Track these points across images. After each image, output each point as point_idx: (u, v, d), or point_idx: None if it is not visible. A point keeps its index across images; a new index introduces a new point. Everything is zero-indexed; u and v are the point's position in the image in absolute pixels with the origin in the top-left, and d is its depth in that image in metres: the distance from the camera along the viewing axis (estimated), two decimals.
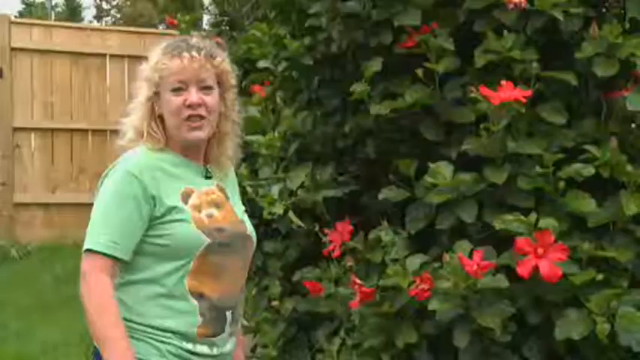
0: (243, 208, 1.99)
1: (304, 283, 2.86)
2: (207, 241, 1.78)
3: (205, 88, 1.83)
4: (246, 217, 1.96)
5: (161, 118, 1.86)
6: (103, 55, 7.68)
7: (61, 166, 7.49)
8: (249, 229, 1.93)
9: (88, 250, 1.75)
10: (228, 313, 1.83)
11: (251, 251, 1.94)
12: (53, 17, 17.55)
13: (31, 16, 16.39)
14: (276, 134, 3.13)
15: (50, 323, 4.81)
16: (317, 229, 2.87)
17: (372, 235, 2.71)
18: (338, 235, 2.78)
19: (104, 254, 1.73)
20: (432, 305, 2.34)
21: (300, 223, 2.91)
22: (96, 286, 1.72)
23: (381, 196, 2.70)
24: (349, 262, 2.74)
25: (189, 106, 1.80)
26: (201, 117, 1.82)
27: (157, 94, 1.83)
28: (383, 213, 2.75)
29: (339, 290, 2.76)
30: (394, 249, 2.58)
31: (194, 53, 1.81)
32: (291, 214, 2.89)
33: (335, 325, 2.89)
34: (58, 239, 7.05)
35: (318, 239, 2.87)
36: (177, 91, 1.81)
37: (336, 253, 2.76)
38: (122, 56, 7.69)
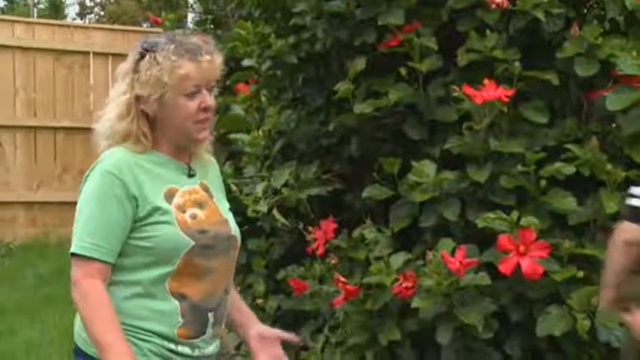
0: (227, 205, 1.95)
1: (289, 281, 2.87)
2: (191, 243, 1.75)
3: (211, 89, 1.81)
4: (230, 216, 1.92)
5: (147, 117, 1.80)
6: (87, 53, 7.64)
7: (44, 165, 7.43)
8: (234, 229, 1.89)
9: (75, 255, 1.74)
10: (210, 315, 1.80)
11: (236, 252, 1.90)
12: (35, 14, 17.41)
13: (12, 13, 16.25)
14: (261, 133, 3.14)
15: (33, 322, 4.77)
16: (301, 227, 2.88)
17: (355, 233, 2.73)
18: (322, 233, 2.79)
19: (91, 258, 1.72)
20: (415, 303, 2.35)
21: (284, 221, 2.92)
22: (88, 292, 1.71)
23: (364, 195, 2.71)
24: (333, 260, 2.75)
25: (204, 110, 1.78)
26: (209, 119, 1.81)
27: (160, 97, 1.76)
28: (367, 211, 2.76)
29: (323, 288, 2.77)
30: (378, 247, 2.60)
31: (207, 56, 1.77)
32: (275, 212, 2.90)
33: (319, 323, 2.90)
34: (41, 238, 7.00)
35: (302, 237, 2.87)
36: (191, 94, 1.77)
37: (320, 251, 2.77)
38: (106, 54, 7.66)
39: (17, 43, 7.34)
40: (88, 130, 8.76)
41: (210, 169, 1.95)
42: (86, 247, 1.72)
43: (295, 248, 3.04)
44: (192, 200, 1.82)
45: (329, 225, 2.78)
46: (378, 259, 2.56)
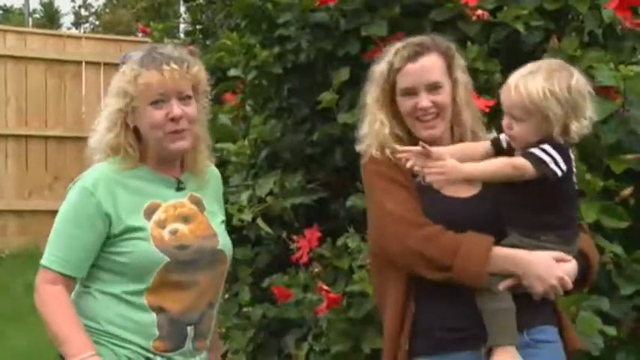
0: (222, 218, 1.96)
1: (273, 289, 2.89)
2: (166, 259, 1.77)
3: (185, 98, 1.82)
4: (222, 229, 1.93)
5: (134, 130, 1.83)
6: (79, 63, 7.67)
7: (35, 173, 7.45)
8: (222, 242, 1.89)
9: (45, 267, 1.79)
10: (190, 328, 1.80)
11: (224, 265, 1.90)
12: (31, 24, 17.44)
13: (8, 23, 16.28)
14: (246, 142, 3.16)
15: (22, 330, 4.79)
16: (285, 235, 2.90)
17: (339, 242, 2.75)
18: (306, 242, 2.81)
19: (57, 272, 1.77)
20: None
21: (268, 229, 2.93)
22: (48, 295, 1.76)
23: (348, 204, 2.74)
24: (317, 268, 2.77)
25: (172, 120, 1.79)
26: (184, 130, 1.81)
27: (133, 108, 1.80)
28: (350, 220, 2.78)
29: (307, 296, 2.79)
30: (360, 255, 2.62)
31: (173, 65, 1.78)
32: (259, 220, 2.91)
33: (304, 331, 2.91)
34: (32, 246, 7.00)
35: (287, 246, 2.89)
36: (157, 103, 1.79)
37: (304, 259, 2.79)
38: (98, 63, 7.68)
39: (9, 52, 7.36)
40: (79, 139, 8.79)
41: (211, 180, 1.96)
42: (53, 261, 1.77)
43: (280, 257, 3.06)
44: (177, 215, 1.83)
45: (313, 234, 2.81)
46: (360, 267, 2.58)
